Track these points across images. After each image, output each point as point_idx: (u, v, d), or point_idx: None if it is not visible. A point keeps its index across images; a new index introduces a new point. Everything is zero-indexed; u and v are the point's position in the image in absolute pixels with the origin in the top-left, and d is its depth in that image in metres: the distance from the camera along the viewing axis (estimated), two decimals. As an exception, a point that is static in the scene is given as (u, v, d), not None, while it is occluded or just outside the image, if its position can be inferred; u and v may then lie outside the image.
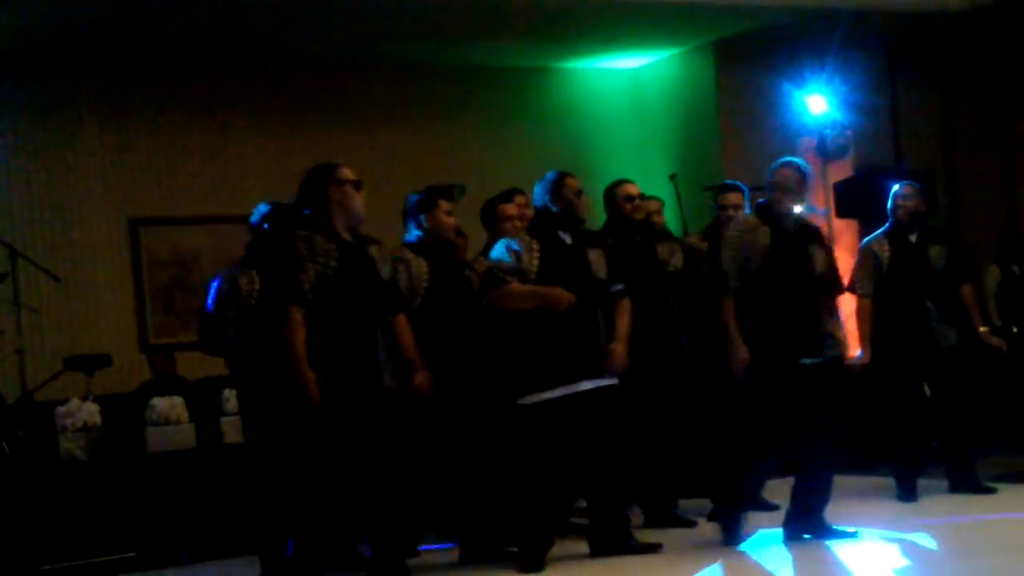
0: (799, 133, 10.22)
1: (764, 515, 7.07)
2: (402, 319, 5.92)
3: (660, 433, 7.00)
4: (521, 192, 7.23)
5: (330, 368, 5.52)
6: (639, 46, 10.86)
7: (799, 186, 6.41)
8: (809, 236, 6.46)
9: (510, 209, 6.95)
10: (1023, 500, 7.40)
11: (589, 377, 6.20)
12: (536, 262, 6.26)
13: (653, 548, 6.35)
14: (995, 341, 7.94)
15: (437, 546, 6.81)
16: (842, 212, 10.50)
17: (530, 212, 7.14)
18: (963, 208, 11.69)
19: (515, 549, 6.46)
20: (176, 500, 7.40)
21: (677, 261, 7.31)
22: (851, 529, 6.44)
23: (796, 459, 6.42)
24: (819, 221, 8.81)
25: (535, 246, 6.30)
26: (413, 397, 5.94)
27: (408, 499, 5.90)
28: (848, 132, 10.31)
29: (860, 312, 7.58)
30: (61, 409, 7.54)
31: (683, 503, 7.27)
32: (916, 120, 11.52)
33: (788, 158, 6.63)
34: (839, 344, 6.47)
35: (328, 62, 10.33)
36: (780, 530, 6.41)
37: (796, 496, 6.41)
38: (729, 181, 7.86)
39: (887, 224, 7.72)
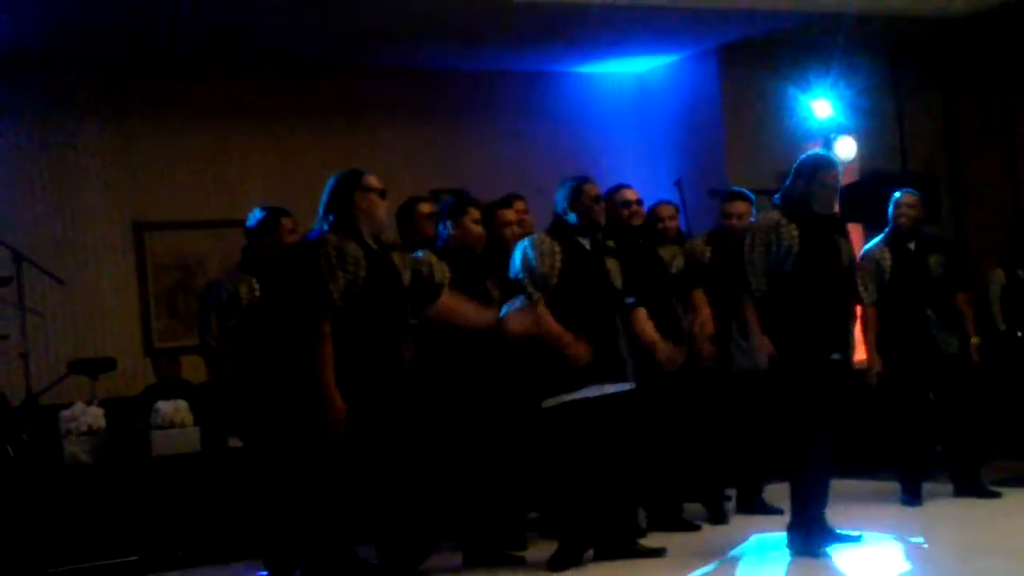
0: (804, 137, 10.21)
1: (767, 519, 7.08)
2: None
3: (666, 437, 7.01)
4: (520, 197, 7.23)
5: (355, 377, 5.44)
6: (644, 51, 10.85)
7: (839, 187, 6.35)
8: (836, 227, 6.39)
9: (509, 215, 6.93)
10: (1027, 504, 7.42)
11: (611, 381, 6.23)
12: (559, 267, 6.26)
13: (657, 553, 6.35)
14: (975, 356, 7.86)
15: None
16: (847, 216, 10.48)
17: (529, 218, 7.17)
18: (968, 212, 11.68)
19: (519, 553, 6.49)
20: (180, 504, 7.41)
21: (679, 263, 7.33)
22: (855, 533, 6.43)
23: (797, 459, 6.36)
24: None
25: (557, 250, 6.30)
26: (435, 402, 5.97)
27: (423, 505, 5.91)
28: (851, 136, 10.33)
29: (866, 320, 7.58)
30: (65, 413, 7.54)
31: (688, 507, 7.28)
32: (920, 124, 11.51)
33: (829, 156, 6.49)
34: (854, 343, 6.49)
35: (332, 64, 10.33)
36: (783, 534, 6.39)
37: (795, 499, 6.36)
38: (736, 188, 7.85)
39: (887, 230, 7.73)
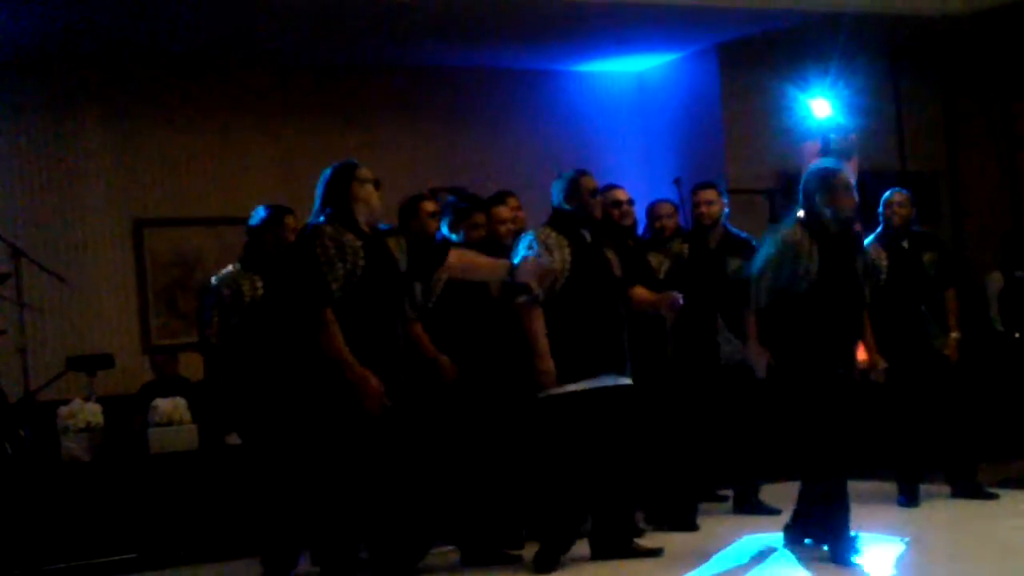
0: (803, 136, 10.21)
1: (765, 519, 7.09)
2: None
3: (659, 436, 7.02)
4: (512, 194, 7.24)
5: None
6: (643, 49, 10.85)
7: None
8: (854, 243, 6.26)
9: (504, 212, 6.94)
10: (1024, 506, 7.43)
11: (611, 373, 6.23)
12: (569, 259, 6.26)
13: (654, 553, 6.35)
14: (952, 351, 7.76)
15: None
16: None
17: (523, 215, 7.18)
18: (966, 212, 11.69)
19: (516, 552, 6.49)
20: (178, 501, 7.41)
21: (664, 267, 7.35)
22: (851, 533, 6.42)
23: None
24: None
25: (564, 242, 6.29)
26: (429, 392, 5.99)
27: (418, 503, 5.91)
28: (852, 135, 10.30)
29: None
30: (63, 409, 7.54)
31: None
32: (919, 123, 11.52)
33: (830, 164, 6.28)
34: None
35: (331, 63, 10.33)
36: (780, 534, 6.39)
37: (801, 501, 6.36)
38: (707, 181, 7.81)
39: (878, 230, 7.73)
